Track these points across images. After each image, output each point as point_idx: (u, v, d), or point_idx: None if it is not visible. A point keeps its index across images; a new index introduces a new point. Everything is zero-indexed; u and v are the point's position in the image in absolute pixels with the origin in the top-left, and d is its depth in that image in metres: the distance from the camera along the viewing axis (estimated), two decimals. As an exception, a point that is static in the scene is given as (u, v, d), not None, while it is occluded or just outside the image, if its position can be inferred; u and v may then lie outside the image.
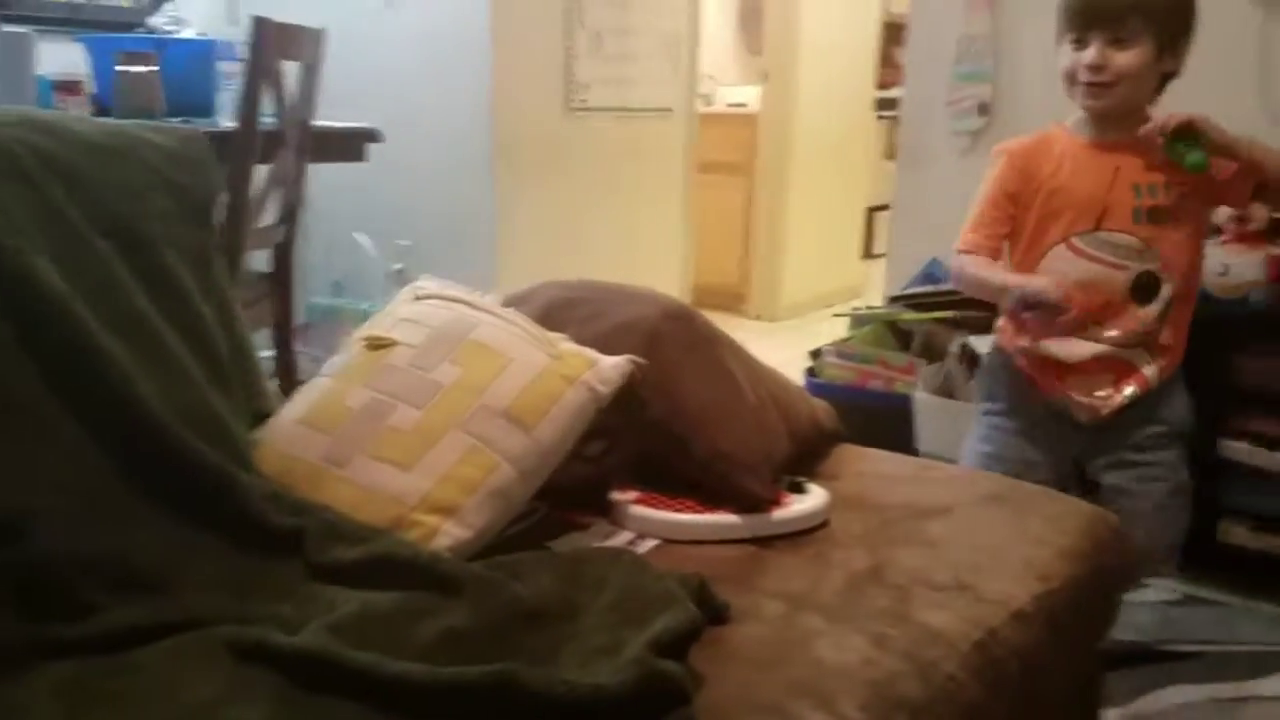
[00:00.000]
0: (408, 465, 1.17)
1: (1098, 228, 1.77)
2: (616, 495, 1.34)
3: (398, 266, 3.53)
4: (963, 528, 1.38)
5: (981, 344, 2.90)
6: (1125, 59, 1.69)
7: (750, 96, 5.11)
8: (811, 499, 1.37)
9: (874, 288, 4.06)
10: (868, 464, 1.61)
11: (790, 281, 5.11)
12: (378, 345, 1.29)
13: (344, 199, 3.44)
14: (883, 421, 2.94)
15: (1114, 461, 1.88)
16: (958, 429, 2.89)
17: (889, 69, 5.08)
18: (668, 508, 1.32)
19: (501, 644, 0.97)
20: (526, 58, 3.51)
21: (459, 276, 1.47)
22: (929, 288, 3.15)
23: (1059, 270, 1.79)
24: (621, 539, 1.28)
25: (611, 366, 1.27)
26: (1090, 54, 1.70)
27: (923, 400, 2.93)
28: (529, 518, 1.28)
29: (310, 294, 3.56)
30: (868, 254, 5.43)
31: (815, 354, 3.19)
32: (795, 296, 5.07)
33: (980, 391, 2.11)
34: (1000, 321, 2.02)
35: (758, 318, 5.11)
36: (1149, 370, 1.83)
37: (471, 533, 1.16)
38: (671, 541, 1.28)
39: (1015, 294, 1.77)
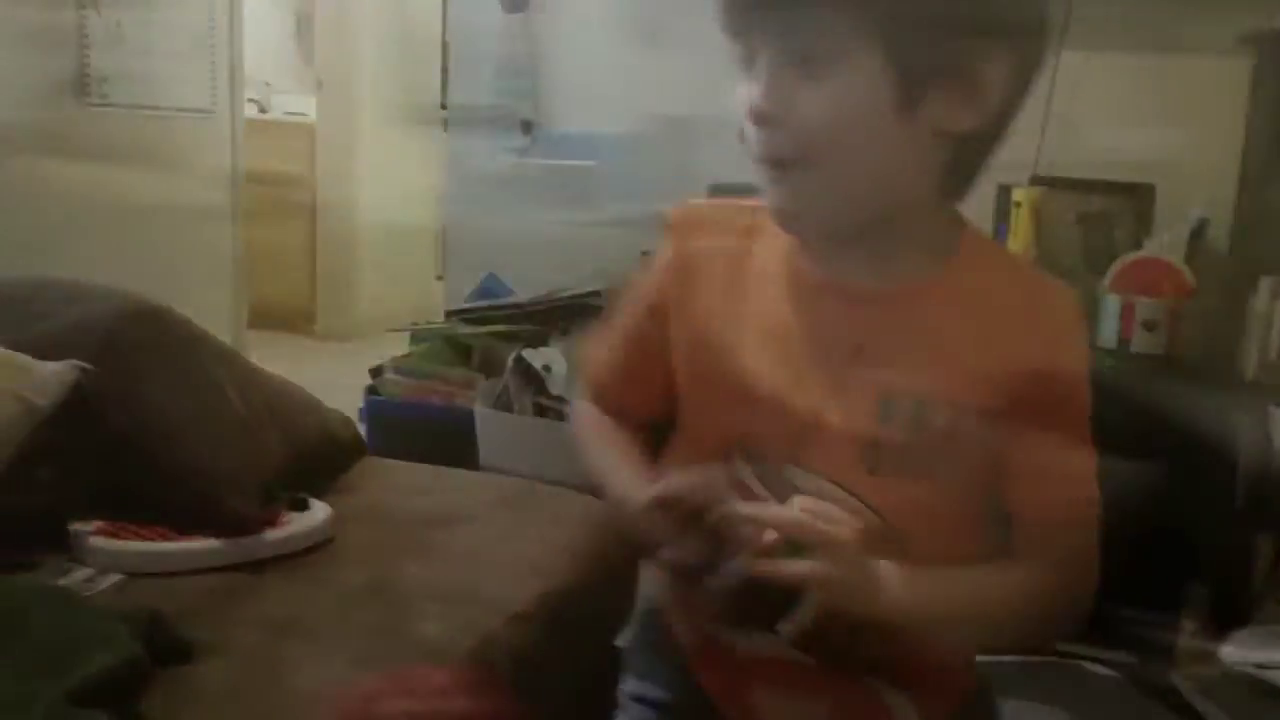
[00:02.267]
0: None
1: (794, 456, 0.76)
2: (77, 526, 1.16)
3: None
4: (474, 534, 1.34)
5: (536, 357, 2.96)
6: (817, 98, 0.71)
7: (310, 106, 4.88)
8: (312, 515, 1.26)
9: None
10: (388, 476, 1.53)
11: (362, 299, 4.93)
12: None
13: None
14: (446, 437, 2.91)
15: None
16: (518, 442, 2.93)
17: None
18: (136, 536, 1.16)
19: None
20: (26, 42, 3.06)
21: None
22: (485, 302, 3.16)
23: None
24: (78, 576, 1.11)
25: (52, 374, 1.09)
26: (756, 84, 0.73)
27: (483, 414, 2.92)
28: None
29: None
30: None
31: (376, 371, 3.09)
32: (368, 314, 4.89)
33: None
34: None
35: (328, 337, 4.87)
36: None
37: None
38: (142, 575, 1.13)
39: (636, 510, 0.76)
